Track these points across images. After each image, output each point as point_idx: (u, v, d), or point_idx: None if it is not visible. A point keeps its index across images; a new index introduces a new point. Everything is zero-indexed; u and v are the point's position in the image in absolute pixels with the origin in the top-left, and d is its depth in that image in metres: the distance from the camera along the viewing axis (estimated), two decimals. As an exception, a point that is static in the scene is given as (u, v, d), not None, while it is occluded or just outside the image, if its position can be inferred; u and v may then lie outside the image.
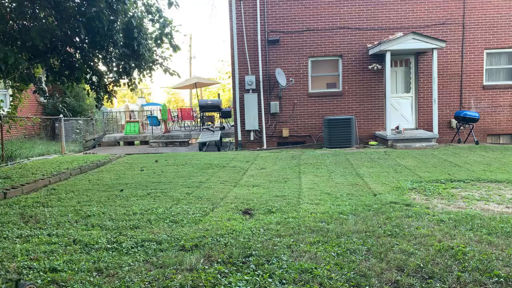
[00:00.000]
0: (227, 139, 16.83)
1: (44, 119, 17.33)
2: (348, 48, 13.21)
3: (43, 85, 8.83)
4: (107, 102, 8.87)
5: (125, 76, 8.42)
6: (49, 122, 17.78)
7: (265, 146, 13.23)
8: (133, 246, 3.90)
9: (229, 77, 29.30)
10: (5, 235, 4.31)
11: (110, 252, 3.77)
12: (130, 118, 20.45)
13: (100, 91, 8.45)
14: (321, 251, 3.65)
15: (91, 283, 3.13)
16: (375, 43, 12.92)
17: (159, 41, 8.47)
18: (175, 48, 8.55)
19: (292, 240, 3.96)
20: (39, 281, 3.17)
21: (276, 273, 3.22)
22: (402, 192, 6.03)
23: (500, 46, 13.15)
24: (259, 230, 4.27)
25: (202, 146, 13.95)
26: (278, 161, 9.47)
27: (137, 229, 4.45)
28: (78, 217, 4.99)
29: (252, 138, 13.47)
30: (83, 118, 17.81)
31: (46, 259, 3.61)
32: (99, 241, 4.04)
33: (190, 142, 16.04)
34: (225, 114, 18.19)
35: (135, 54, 8.03)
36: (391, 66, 12.85)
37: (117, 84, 8.77)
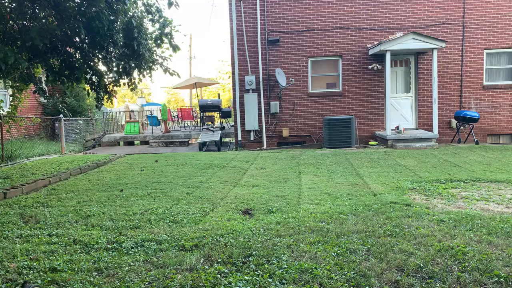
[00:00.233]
0: (227, 139, 16.83)
1: (44, 119, 17.33)
2: (348, 48, 13.21)
3: (43, 85, 8.83)
4: (107, 102, 8.87)
5: (125, 76, 8.42)
6: (49, 122, 17.78)
7: (265, 146, 13.23)
8: (133, 246, 3.90)
9: (229, 77, 29.29)
10: (5, 235, 4.31)
11: (110, 252, 3.76)
12: (130, 118, 20.45)
13: (100, 91, 8.45)
14: (321, 251, 3.65)
15: (91, 283, 3.13)
16: (375, 43, 12.92)
17: (159, 41, 8.47)
18: (175, 48, 8.55)
19: (292, 240, 3.96)
20: (39, 281, 3.17)
21: (276, 273, 3.22)
22: (402, 192, 6.03)
23: (500, 46, 13.15)
24: (259, 230, 4.27)
25: (202, 146, 13.95)
26: (278, 161, 9.47)
27: (137, 229, 4.45)
28: (78, 217, 4.99)
29: (252, 138, 13.47)
30: (83, 118, 17.81)
31: (46, 259, 3.61)
32: (99, 241, 4.04)
33: (190, 142, 16.04)
34: (225, 114, 18.19)
35: (135, 54, 8.03)
36: (391, 66, 12.85)
37: (117, 84, 8.76)
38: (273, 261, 3.45)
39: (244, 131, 13.48)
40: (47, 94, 8.74)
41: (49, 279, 3.19)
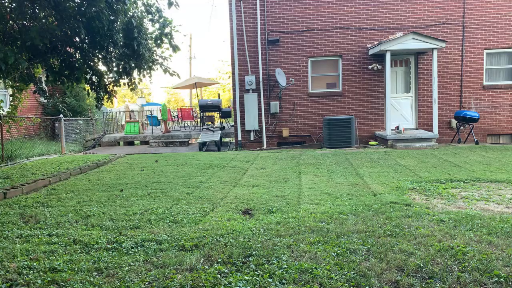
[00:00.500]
0: (227, 139, 16.83)
1: (44, 119, 17.33)
2: (348, 48, 13.21)
3: (43, 85, 8.83)
4: (107, 102, 8.87)
5: (125, 76, 8.42)
6: (49, 122, 17.78)
7: (265, 146, 13.23)
8: (133, 246, 3.90)
9: (229, 77, 29.28)
10: (5, 235, 4.31)
11: (110, 252, 3.76)
12: (130, 118, 20.45)
13: (100, 91, 8.45)
14: (321, 251, 3.65)
15: (91, 283, 3.13)
16: (375, 43, 12.92)
17: (159, 41, 8.47)
18: (175, 48, 8.55)
19: (292, 240, 3.96)
20: (39, 281, 3.17)
21: (276, 273, 3.22)
22: (402, 192, 6.03)
23: (500, 46, 13.16)
24: (259, 230, 4.27)
25: (202, 146, 13.95)
26: (278, 161, 9.47)
27: (137, 229, 4.45)
28: (78, 217, 4.99)
29: (252, 138, 13.47)
30: (83, 118, 17.81)
31: (46, 259, 3.61)
32: (99, 241, 4.04)
33: (190, 142, 16.04)
34: (225, 114, 18.19)
35: (135, 54, 8.03)
36: (391, 66, 12.85)
37: (117, 84, 8.77)
38: (273, 261, 3.45)
39: (244, 131, 13.48)
40: (47, 94, 8.74)
41: (49, 279, 3.19)
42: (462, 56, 13.17)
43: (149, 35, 8.41)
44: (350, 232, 4.13)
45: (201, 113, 18.14)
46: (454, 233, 4.05)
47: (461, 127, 13.00)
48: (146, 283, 3.13)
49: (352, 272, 3.21)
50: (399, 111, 13.42)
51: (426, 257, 3.46)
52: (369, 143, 12.78)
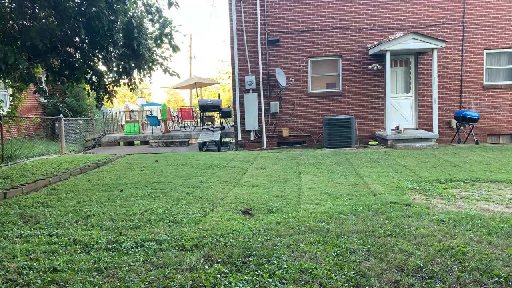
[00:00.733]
0: (227, 139, 16.83)
1: (44, 119, 17.33)
2: (348, 48, 13.21)
3: (43, 85, 8.83)
4: (107, 102, 8.87)
5: (125, 76, 8.42)
6: (49, 122, 17.78)
7: (265, 146, 13.23)
8: (133, 246, 3.90)
9: (229, 77, 29.28)
10: (5, 235, 4.31)
11: (110, 252, 3.76)
12: (130, 118, 20.45)
13: (100, 91, 8.45)
14: (321, 251, 3.65)
15: (91, 283, 3.13)
16: (375, 43, 12.92)
17: (159, 41, 8.47)
18: (175, 48, 8.55)
19: (292, 240, 3.96)
20: (39, 281, 3.17)
21: (276, 273, 3.22)
22: (402, 192, 6.03)
23: (500, 46, 13.16)
24: (259, 230, 4.27)
25: (202, 146, 13.96)
26: (278, 161, 9.47)
27: (137, 229, 4.45)
28: (78, 217, 4.99)
29: (252, 138, 13.48)
30: (83, 118, 17.81)
31: (46, 259, 3.61)
32: (99, 241, 4.04)
33: (190, 142, 16.04)
34: (225, 114, 18.19)
35: (135, 54, 8.03)
36: (391, 66, 12.85)
37: (117, 84, 8.77)
38: (273, 261, 3.45)
39: (244, 131, 13.48)
40: (47, 94, 8.74)
41: (49, 279, 3.19)
42: (462, 56, 13.17)
43: (149, 35, 8.41)
44: (350, 232, 4.13)
45: (201, 113, 18.14)
46: (454, 233, 4.05)
47: (461, 127, 13.00)
48: (146, 283, 3.13)
49: (352, 272, 3.21)
50: (399, 111, 13.42)
51: (426, 257, 3.46)
52: (369, 143, 12.78)
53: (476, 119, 12.29)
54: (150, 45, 8.42)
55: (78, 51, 7.87)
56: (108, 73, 8.46)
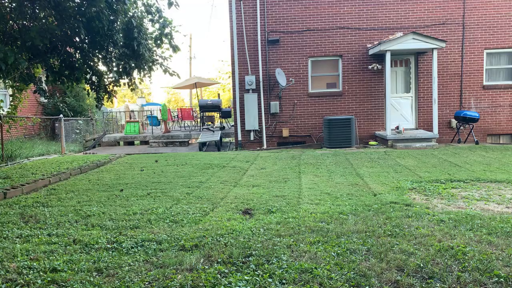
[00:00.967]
0: (227, 139, 16.83)
1: (44, 119, 17.33)
2: (348, 48, 13.21)
3: (43, 85, 8.83)
4: (107, 102, 8.88)
5: (125, 76, 8.42)
6: (49, 122, 17.78)
7: (265, 146, 13.23)
8: (133, 246, 3.90)
9: (229, 77, 29.29)
10: (5, 235, 4.31)
11: (110, 252, 3.76)
12: (130, 118, 20.46)
13: (100, 91, 8.46)
14: (321, 251, 3.65)
15: (91, 283, 3.13)
16: (375, 43, 12.92)
17: (159, 41, 8.47)
18: (175, 48, 8.55)
19: (292, 240, 3.96)
20: (39, 281, 3.17)
21: (276, 273, 3.22)
22: (402, 192, 6.03)
23: (500, 46, 13.16)
24: (259, 230, 4.27)
25: (202, 146, 13.96)
26: (278, 161, 9.47)
27: (137, 229, 4.45)
28: (78, 217, 4.99)
29: (252, 138, 13.48)
30: (83, 118, 17.81)
31: (46, 259, 3.61)
32: (99, 241, 4.04)
33: (190, 142, 16.04)
34: (225, 114, 18.19)
35: (135, 54, 8.03)
36: (391, 66, 12.85)
37: (117, 84, 8.77)
38: (273, 261, 3.45)
39: (244, 131, 13.48)
40: (47, 94, 8.74)
41: (49, 279, 3.19)
42: (462, 56, 13.17)
43: (149, 35, 8.42)
44: (350, 232, 4.13)
45: (201, 113, 18.14)
46: (454, 233, 4.05)
47: (461, 127, 13.00)
48: (146, 283, 3.13)
49: (352, 272, 3.21)
50: (399, 111, 13.42)
51: (426, 257, 3.46)
52: (369, 143, 12.78)
53: (476, 119, 12.29)
54: (150, 45, 8.42)
55: (78, 51, 7.87)
56: (108, 73, 8.46)
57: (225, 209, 5.22)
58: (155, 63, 8.74)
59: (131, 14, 7.97)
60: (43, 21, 7.33)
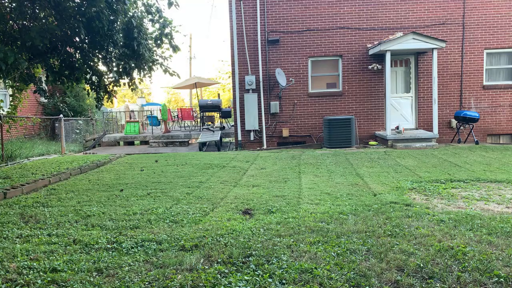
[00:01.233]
0: (227, 139, 16.83)
1: (44, 119, 17.33)
2: (348, 48, 13.21)
3: (43, 85, 8.83)
4: (107, 102, 8.87)
5: (125, 76, 8.42)
6: (49, 122, 17.78)
7: (265, 146, 13.23)
8: (133, 246, 3.90)
9: (229, 77, 29.29)
10: (5, 235, 4.31)
11: (110, 252, 3.76)
12: (130, 118, 20.45)
13: (100, 91, 8.46)
14: (321, 251, 3.65)
15: (91, 283, 3.13)
16: (375, 43, 12.92)
17: (159, 41, 8.47)
18: (175, 48, 8.55)
19: (292, 240, 3.96)
20: (39, 281, 3.17)
21: (276, 273, 3.22)
22: (402, 192, 6.03)
23: (500, 46, 13.16)
24: (259, 230, 4.27)
25: (202, 146, 13.96)
26: (278, 161, 9.47)
27: (137, 229, 4.45)
28: (78, 217, 4.99)
29: (252, 138, 13.48)
30: (83, 118, 17.81)
31: (46, 259, 3.61)
32: (99, 241, 4.04)
33: (190, 142, 16.04)
34: (225, 114, 18.20)
35: (135, 54, 8.03)
36: (391, 66, 12.85)
37: (117, 84, 8.77)
38: (273, 261, 3.45)
39: (244, 131, 13.48)
40: (47, 94, 8.74)
41: (49, 279, 3.19)
42: (462, 56, 13.17)
43: (149, 35, 8.41)
44: (350, 232, 4.13)
45: (201, 113, 18.15)
46: (454, 233, 4.05)
47: (461, 127, 13.00)
48: (146, 283, 3.13)
49: (352, 272, 3.21)
50: (399, 111, 13.42)
51: (426, 257, 3.46)
52: (369, 143, 12.78)
53: (476, 119, 12.29)
54: (150, 45, 8.42)
55: (78, 51, 7.87)
56: (108, 73, 8.46)
57: (225, 209, 5.22)
58: (155, 63, 8.74)
59: (131, 14, 7.97)
60: (43, 21, 7.33)
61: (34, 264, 3.48)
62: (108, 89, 8.67)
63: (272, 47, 13.25)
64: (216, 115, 19.83)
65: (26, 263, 3.51)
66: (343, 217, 4.68)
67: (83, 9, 6.88)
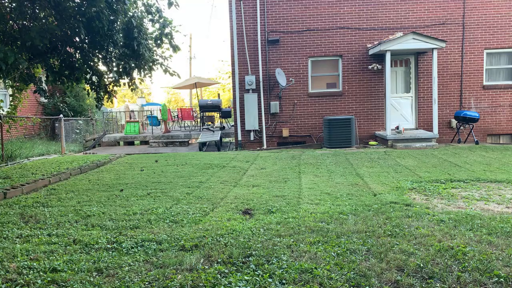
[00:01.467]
0: (227, 139, 16.83)
1: (44, 119, 17.33)
2: (348, 48, 13.21)
3: (43, 85, 8.83)
4: (107, 102, 8.87)
5: (125, 76, 8.42)
6: (49, 122, 17.78)
7: (265, 146, 13.23)
8: (133, 246, 3.90)
9: (229, 77, 29.29)
10: (5, 235, 4.31)
11: (110, 252, 3.76)
12: (130, 118, 20.45)
13: (100, 91, 8.46)
14: (321, 251, 3.65)
15: (91, 283, 3.13)
16: (375, 43, 12.92)
17: (159, 41, 8.47)
18: (175, 48, 8.55)
19: (292, 240, 3.96)
20: (39, 281, 3.17)
21: (276, 273, 3.22)
22: (402, 192, 6.03)
23: (500, 46, 13.16)
24: (259, 230, 4.27)
25: (202, 146, 13.96)
26: (278, 161, 9.47)
27: (137, 229, 4.45)
28: (78, 217, 4.99)
29: (252, 138, 13.48)
30: (83, 118, 17.81)
31: (46, 259, 3.61)
32: (99, 241, 4.04)
33: (190, 142, 16.04)
34: (225, 114, 18.20)
35: (135, 54, 8.03)
36: (391, 66, 12.85)
37: (117, 84, 8.77)
38: (273, 261, 3.45)
39: (244, 131, 13.48)
40: (47, 94, 8.74)
41: (49, 279, 3.19)
42: (462, 56, 13.17)
43: (149, 35, 8.41)
44: (350, 232, 4.13)
45: (201, 113, 18.15)
46: (454, 233, 4.05)
47: (461, 127, 13.00)
48: (146, 283, 3.13)
49: (352, 272, 3.21)
50: (399, 111, 13.42)
51: (426, 257, 3.46)
52: (369, 143, 12.78)
53: (476, 119, 12.29)
54: (150, 45, 8.42)
55: (78, 51, 7.87)
56: (108, 73, 8.46)
57: (225, 209, 5.22)
58: (155, 63, 8.74)
59: (131, 14, 7.97)
60: (43, 21, 7.33)
61: (34, 264, 3.48)
62: (108, 89, 8.67)
63: (272, 47, 13.25)
64: (216, 115, 19.84)
65: (26, 263, 3.51)
66: (343, 217, 4.68)
67: (83, 9, 6.89)
